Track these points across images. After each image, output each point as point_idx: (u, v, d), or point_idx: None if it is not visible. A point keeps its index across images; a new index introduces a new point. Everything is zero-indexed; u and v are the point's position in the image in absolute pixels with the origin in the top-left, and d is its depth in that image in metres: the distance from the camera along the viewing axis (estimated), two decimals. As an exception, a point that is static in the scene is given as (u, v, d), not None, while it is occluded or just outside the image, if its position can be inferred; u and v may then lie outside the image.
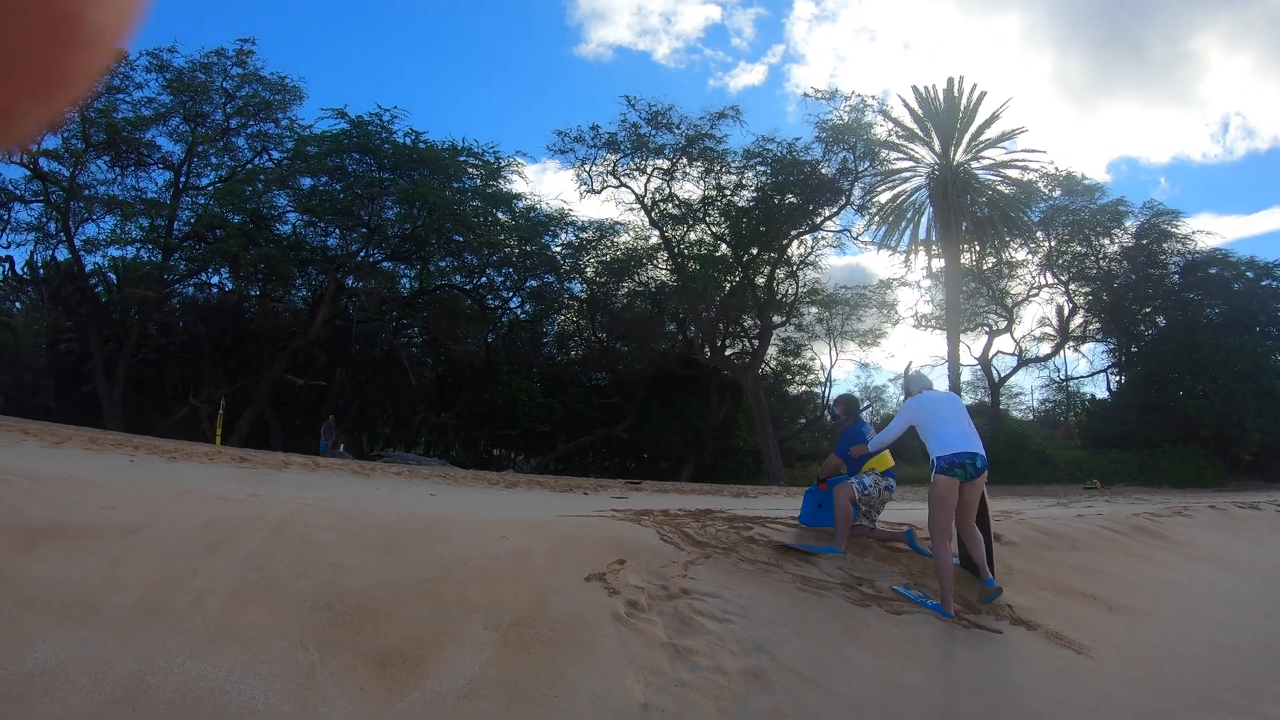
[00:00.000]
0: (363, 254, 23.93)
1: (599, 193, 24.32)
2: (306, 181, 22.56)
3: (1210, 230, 61.16)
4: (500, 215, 24.52)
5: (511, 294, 27.04)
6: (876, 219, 23.99)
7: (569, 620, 3.72)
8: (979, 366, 27.77)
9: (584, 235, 25.14)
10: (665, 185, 23.84)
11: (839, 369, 27.93)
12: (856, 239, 24.79)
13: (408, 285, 27.27)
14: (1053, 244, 26.16)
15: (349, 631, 3.11)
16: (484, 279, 26.92)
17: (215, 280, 24.95)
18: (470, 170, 23.68)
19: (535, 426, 24.46)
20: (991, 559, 5.39)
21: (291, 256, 22.65)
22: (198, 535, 3.63)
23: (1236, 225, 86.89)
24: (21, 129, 0.32)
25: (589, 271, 25.55)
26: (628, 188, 24.01)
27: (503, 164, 24.16)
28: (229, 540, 3.64)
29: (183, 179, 21.95)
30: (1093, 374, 29.65)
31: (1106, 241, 26.57)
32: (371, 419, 29.90)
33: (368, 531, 4.30)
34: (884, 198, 24.00)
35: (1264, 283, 28.05)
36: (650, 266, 25.08)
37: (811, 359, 28.41)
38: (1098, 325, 27.92)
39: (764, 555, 5.65)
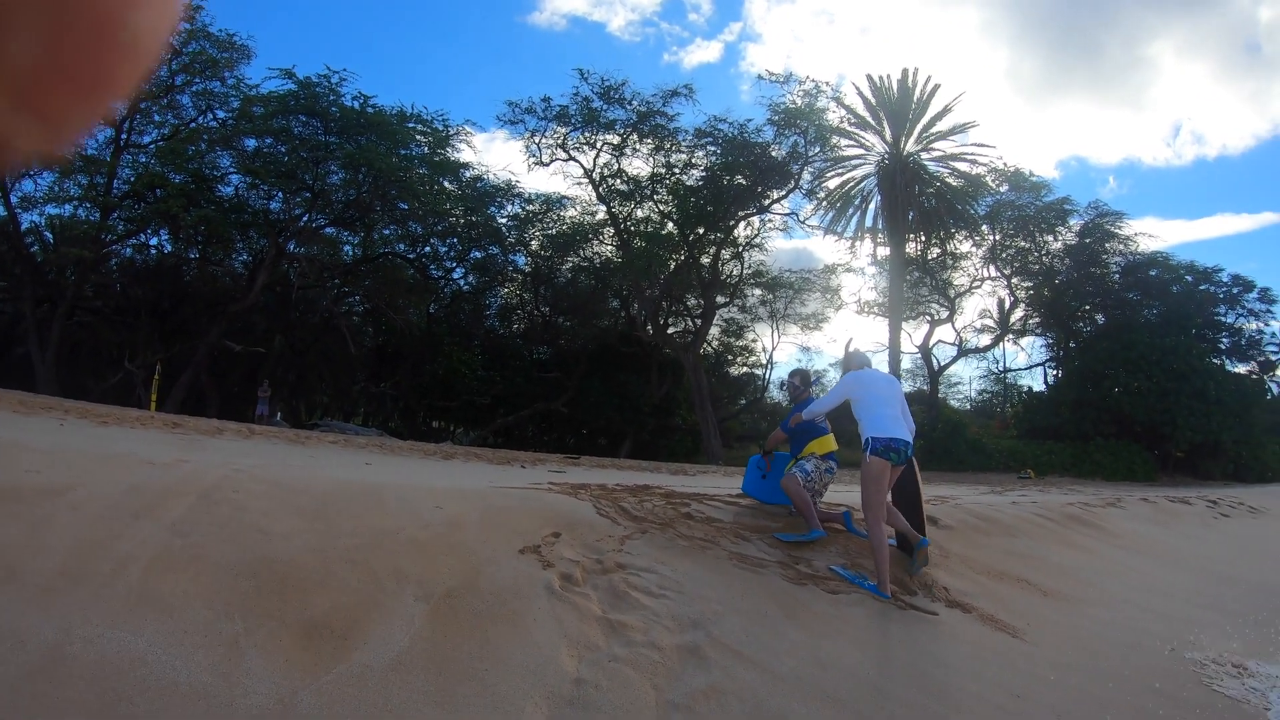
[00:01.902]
0: (305, 219, 24.91)
1: (547, 165, 25.98)
2: (251, 143, 23.45)
3: (1152, 233, 65.03)
4: (447, 184, 25.85)
5: (455, 264, 28.48)
6: (824, 204, 26.13)
7: (502, 593, 3.85)
8: (919, 354, 30.07)
9: (530, 208, 26.82)
10: (615, 161, 25.63)
11: (780, 351, 29.69)
12: (804, 223, 26.85)
13: (350, 252, 28.38)
14: (997, 238, 28.54)
15: (275, 601, 3.18)
16: (428, 248, 28.26)
17: (154, 242, 25.89)
18: (418, 137, 24.88)
19: (474, 399, 25.97)
20: (922, 527, 5.93)
21: (233, 219, 23.69)
22: (123, 500, 3.70)
23: (1180, 229, 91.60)
24: (65, 134, 0.36)
25: (534, 245, 27.23)
26: (576, 162, 25.74)
27: (451, 132, 25.51)
28: (155, 506, 3.72)
29: (124, 136, 22.63)
30: (1030, 367, 32.23)
31: (1050, 238, 29.12)
32: (310, 387, 31.07)
33: (299, 499, 4.40)
34: (833, 183, 26.19)
35: (1202, 287, 31.05)
36: (596, 242, 26.86)
37: (753, 340, 30.42)
38: (1037, 320, 30.50)
39: (701, 531, 5.94)
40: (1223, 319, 32.68)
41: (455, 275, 28.87)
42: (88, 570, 2.99)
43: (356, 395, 30.33)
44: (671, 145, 25.24)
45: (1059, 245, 29.28)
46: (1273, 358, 37.69)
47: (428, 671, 3.05)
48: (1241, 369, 33.59)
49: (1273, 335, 37.26)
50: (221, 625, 2.93)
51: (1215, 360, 30.74)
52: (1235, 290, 32.60)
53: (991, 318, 30.42)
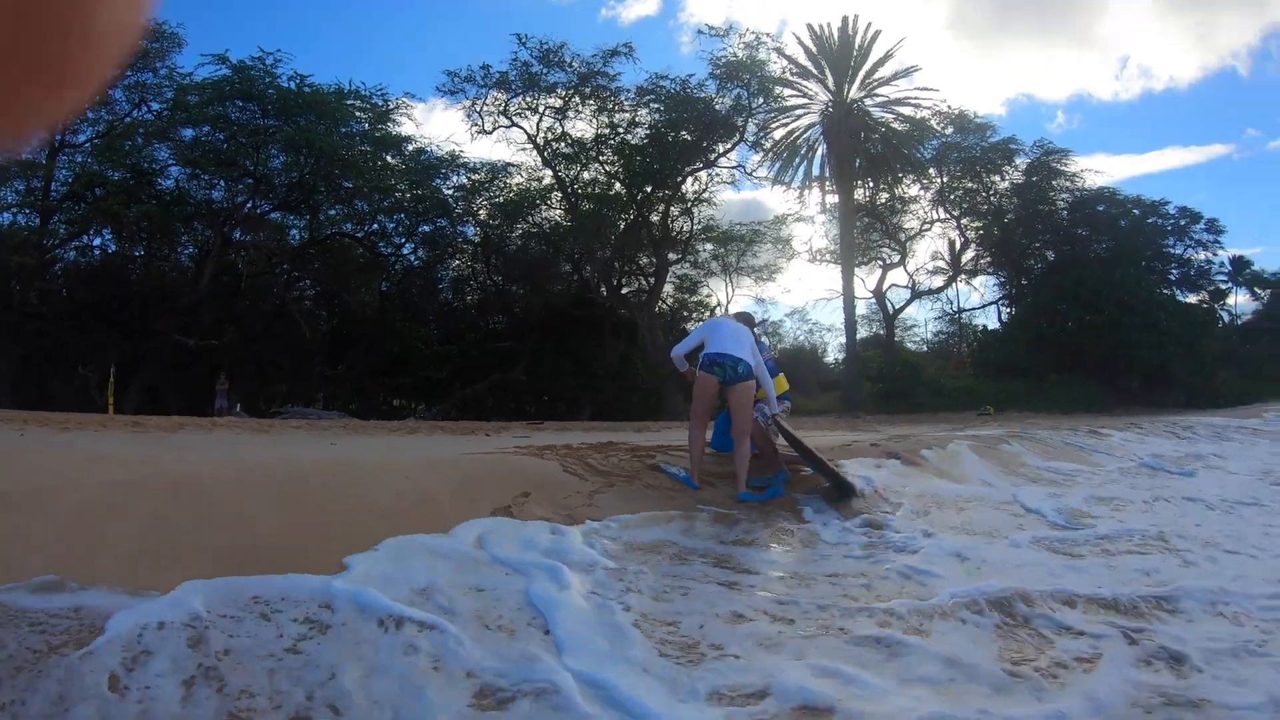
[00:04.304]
0: (249, 205, 25.47)
1: (490, 133, 27.00)
2: (188, 133, 23.93)
3: (1099, 169, 67.09)
4: (390, 159, 26.63)
5: (404, 240, 29.32)
6: (771, 155, 27.43)
7: (468, 554, 4.00)
8: (874, 299, 31.34)
9: (476, 177, 27.80)
10: (558, 124, 26.64)
11: (735, 305, 30.68)
12: (751, 175, 28.17)
13: (297, 236, 28.96)
14: (945, 180, 30.06)
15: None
16: (375, 226, 28.97)
17: (97, 243, 26.41)
18: (358, 114, 25.53)
19: (431, 374, 27.03)
20: (774, 463, 6.88)
21: (175, 212, 24.19)
22: (99, 497, 3.83)
23: (1130, 164, 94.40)
24: (33, 124, 0.36)
25: (482, 214, 28.28)
26: (519, 127, 26.76)
27: (391, 106, 26.18)
28: (129, 502, 3.84)
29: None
30: (984, 306, 33.90)
31: (997, 179, 30.62)
32: (268, 376, 31.53)
33: (269, 483, 4.55)
34: (778, 134, 27.64)
35: (1150, 220, 33.21)
36: (544, 207, 28.00)
37: (708, 296, 31.65)
38: (989, 259, 32.25)
39: (668, 482, 6.45)
40: (1171, 251, 34.83)
41: (405, 251, 29.78)
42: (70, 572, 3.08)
43: (315, 380, 30.86)
44: (614, 105, 26.30)
45: (1006, 185, 30.92)
46: (1222, 287, 39.75)
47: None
48: (1192, 299, 35.74)
49: (1221, 265, 39.49)
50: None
51: (1165, 292, 32.70)
52: (1183, 222, 34.81)
53: (943, 259, 32.07)
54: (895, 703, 2.96)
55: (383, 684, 2.73)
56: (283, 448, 7.56)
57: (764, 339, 7.62)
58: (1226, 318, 41.15)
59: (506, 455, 6.52)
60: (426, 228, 29.00)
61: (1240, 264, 42.38)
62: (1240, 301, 45.09)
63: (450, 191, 28.24)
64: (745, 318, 7.53)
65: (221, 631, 2.83)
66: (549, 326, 27.50)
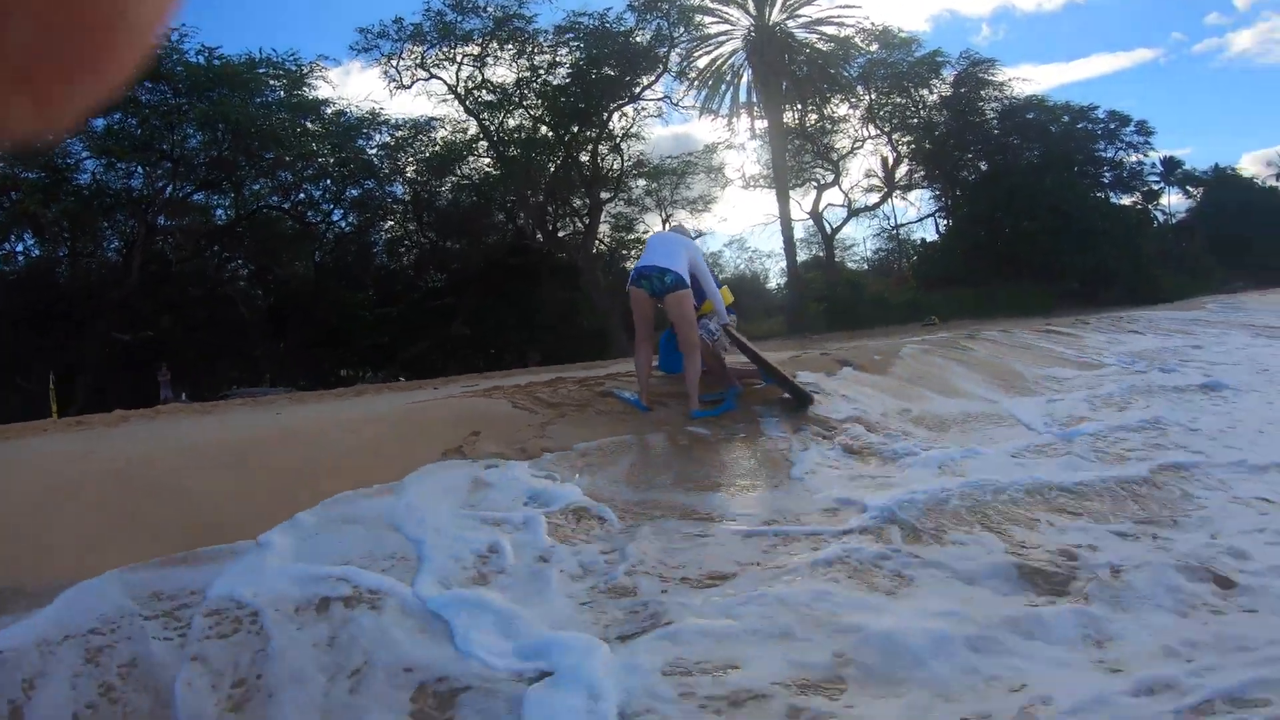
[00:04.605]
0: (170, 190, 24.88)
1: (409, 88, 26.43)
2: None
3: (1027, 78, 67.72)
4: (309, 124, 25.97)
5: (332, 206, 28.70)
6: (696, 84, 27.14)
7: (426, 493, 4.07)
8: (811, 221, 31.40)
9: (399, 134, 27.30)
10: (477, 72, 26.17)
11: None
12: (678, 105, 27.86)
13: (223, 215, 28.33)
14: (873, 97, 30.00)
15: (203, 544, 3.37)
16: (301, 195, 28.37)
17: (20, 248, 25.70)
18: (271, 82, 24.90)
19: (375, 340, 26.69)
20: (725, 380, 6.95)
21: (96, 206, 23.58)
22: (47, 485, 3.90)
23: (1057, 73, 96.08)
24: (63, 117, 0.36)
25: (409, 171, 27.83)
26: (439, 79, 26.22)
27: (305, 70, 25.52)
28: (77, 489, 3.87)
29: None
30: (921, 219, 34.24)
31: (925, 92, 30.72)
32: (211, 362, 31.02)
33: (216, 454, 4.57)
34: (702, 63, 27.47)
35: (1080, 125, 33.72)
36: (471, 158, 27.61)
37: (645, 232, 31.20)
38: (922, 173, 32.41)
39: (619, 406, 6.43)
40: (1103, 155, 35.36)
41: (335, 218, 29.19)
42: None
43: (259, 360, 30.38)
44: (533, 47, 25.98)
45: (935, 98, 30.94)
46: (1155, 188, 40.54)
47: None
48: (1126, 201, 36.40)
49: (1153, 166, 40.17)
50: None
51: (1099, 195, 33.26)
52: (1113, 126, 35.22)
53: (877, 176, 32.07)
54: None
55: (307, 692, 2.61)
56: (227, 424, 7.33)
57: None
58: (1161, 218, 41.94)
59: (454, 399, 6.48)
60: (354, 191, 28.54)
61: (1171, 164, 43.35)
62: (1174, 201, 46.28)
63: (374, 151, 27.76)
64: (681, 230, 7.56)
65: (126, 637, 2.73)
66: (488, 278, 27.21)
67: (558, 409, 6.06)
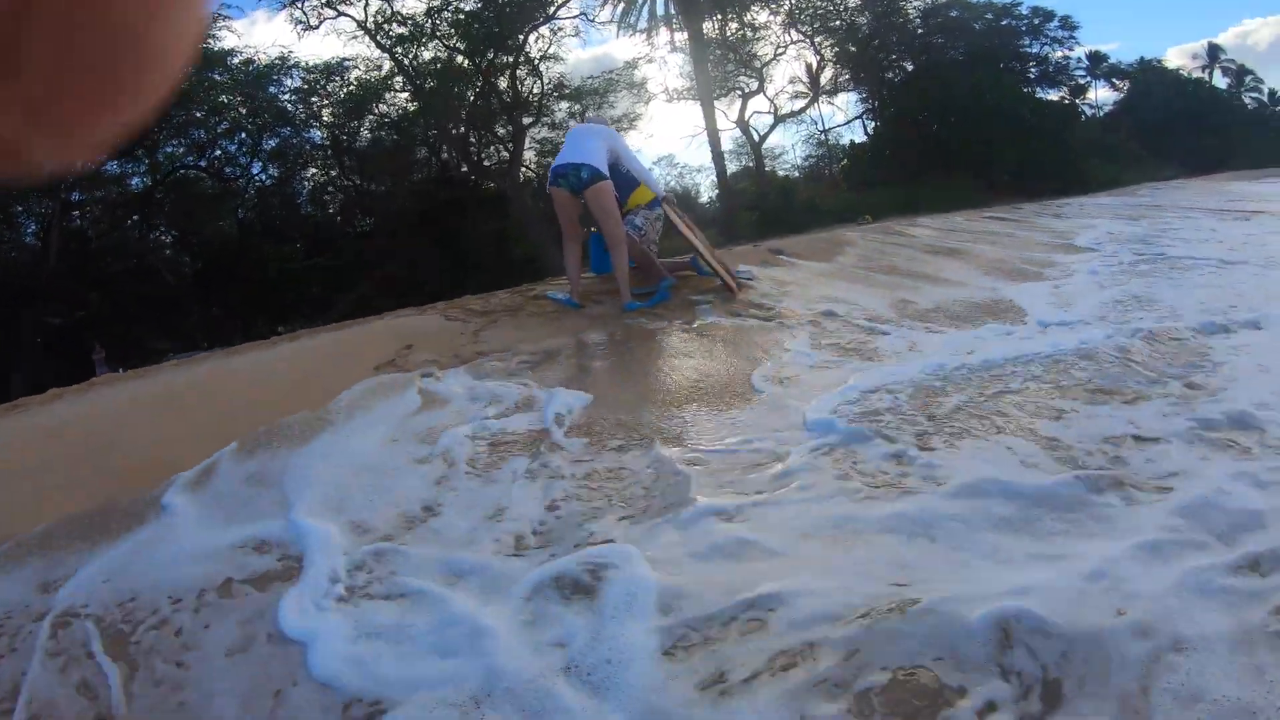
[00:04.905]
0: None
1: (317, 28, 25.51)
2: None
3: None
4: (217, 77, 24.98)
5: (250, 159, 27.71)
6: (610, 1, 26.53)
7: (360, 406, 4.12)
8: (738, 131, 31.14)
9: (311, 77, 26.36)
10: (386, 5, 25.34)
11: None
12: (595, 23, 27.34)
13: (139, 183, 27.20)
14: (794, 2, 29.50)
15: (137, 488, 3.35)
16: (217, 152, 27.32)
17: None
18: (174, 37, 24.00)
19: (307, 292, 25.96)
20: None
21: (7, 191, 22.54)
22: None
23: None
24: (89, 145, 0.36)
25: (326, 115, 26.95)
26: (347, 15, 25.36)
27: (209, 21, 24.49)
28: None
29: None
30: (848, 122, 34.05)
31: (846, -7, 30.08)
32: (143, 335, 30.26)
33: (145, 403, 4.61)
34: (617, -24, 26.56)
35: (1004, 22, 33.82)
36: (388, 96, 26.79)
37: (571, 156, 30.80)
38: (847, 76, 32.06)
39: (552, 308, 6.41)
40: (1028, 50, 35.57)
41: (255, 172, 28.10)
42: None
43: (193, 326, 29.63)
44: (442, -28, 25.09)
45: (856, 1, 30.41)
46: (1081, 82, 40.97)
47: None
48: (1053, 96, 36.54)
49: (1079, 60, 40.44)
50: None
51: (1026, 90, 33.32)
52: (1037, 21, 35.45)
53: (802, 82, 31.64)
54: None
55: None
56: (160, 379, 7.38)
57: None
58: (1089, 111, 42.48)
59: (385, 320, 6.39)
60: (271, 142, 27.47)
61: (1097, 58, 43.84)
62: (1101, 95, 46.84)
63: (287, 98, 26.78)
64: (599, 119, 7.42)
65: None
66: (418, 217, 26.54)
67: (490, 316, 6.04)
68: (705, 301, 6.45)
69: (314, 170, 28.90)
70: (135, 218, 27.40)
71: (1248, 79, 58.18)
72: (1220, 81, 55.94)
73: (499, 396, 4.25)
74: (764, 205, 27.12)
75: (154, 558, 2.79)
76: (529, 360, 4.94)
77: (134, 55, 0.34)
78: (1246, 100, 56.60)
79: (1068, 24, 35.80)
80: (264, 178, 28.91)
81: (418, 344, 5.22)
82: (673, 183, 36.27)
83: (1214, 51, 57.35)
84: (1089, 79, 43.14)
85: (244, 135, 27.04)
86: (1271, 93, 61.51)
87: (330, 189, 29.39)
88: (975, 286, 7.71)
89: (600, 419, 3.96)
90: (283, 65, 25.81)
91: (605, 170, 6.14)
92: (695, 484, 3.09)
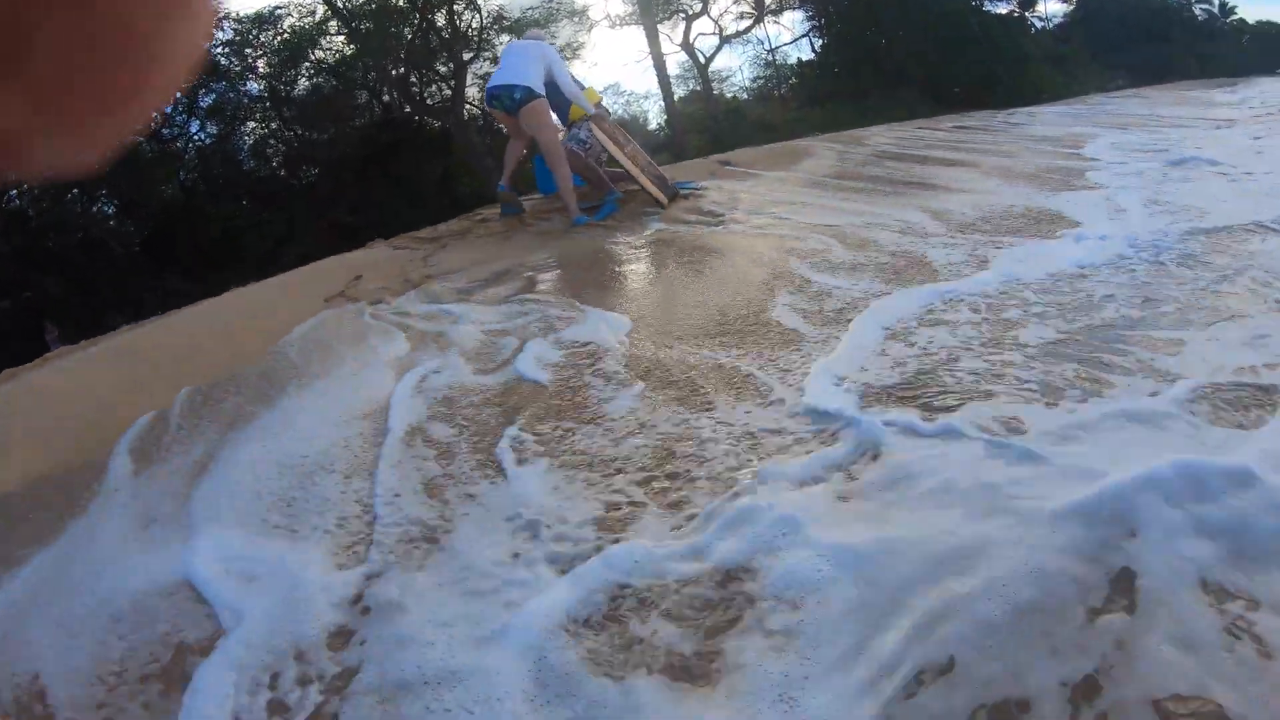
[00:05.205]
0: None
1: (245, -27, 24.73)
2: None
3: None
4: (144, 34, 24.41)
5: (186, 118, 27.03)
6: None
7: (313, 339, 4.16)
8: (684, 54, 30.65)
9: (244, 28, 25.75)
10: (319, -53, 24.46)
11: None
12: (529, -51, 26.68)
13: None
14: (736, -81, 28.85)
15: (104, 438, 3.37)
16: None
17: None
18: (95, -7, 23.39)
19: (258, 249, 25.42)
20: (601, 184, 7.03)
21: None
22: None
23: None
24: (97, 145, 0.37)
25: (261, 67, 26.27)
26: (276, -41, 24.50)
27: (136, -23, 23.91)
28: None
29: None
30: (795, 40, 33.62)
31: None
32: (95, 310, 29.73)
33: (94, 359, 4.66)
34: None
35: None
36: (324, 42, 26.24)
37: (515, 91, 30.35)
38: (793, -7, 31.36)
39: (500, 228, 6.67)
40: (976, -37, 34.62)
41: (193, 131, 27.37)
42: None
43: (145, 297, 29.05)
44: (370, -92, 24.33)
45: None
46: None
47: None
48: (1003, 9, 36.10)
49: None
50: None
51: (974, 3, 32.92)
52: None
53: (748, 2, 31.17)
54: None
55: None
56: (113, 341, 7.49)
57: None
58: (1039, 24, 42.32)
59: (332, 258, 6.56)
60: (207, 99, 26.65)
61: None
62: (1051, 8, 46.87)
63: (220, 50, 25.69)
64: (534, 36, 7.34)
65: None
66: (361, 162, 26.05)
67: (438, 241, 6.28)
68: (654, 212, 6.63)
69: (253, 124, 28.20)
70: (75, 191, 26.78)
71: (1199, -10, 58.58)
72: (1171, -7, 56.11)
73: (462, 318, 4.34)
74: (714, 129, 26.79)
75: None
76: (476, 280, 5.05)
77: (142, 54, 0.34)
78: (1197, 12, 56.88)
79: (1017, -62, 35.52)
80: (203, 136, 28.21)
81: (367, 273, 5.39)
82: (620, 110, 35.91)
83: (1166, -37, 57.57)
84: (1038, -9, 43.09)
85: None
86: (1222, 4, 61.93)
87: (272, 141, 28.74)
88: (1006, 196, 7.17)
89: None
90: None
91: (540, 89, 6.36)
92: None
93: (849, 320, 3.92)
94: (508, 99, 6.24)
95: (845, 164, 9.57)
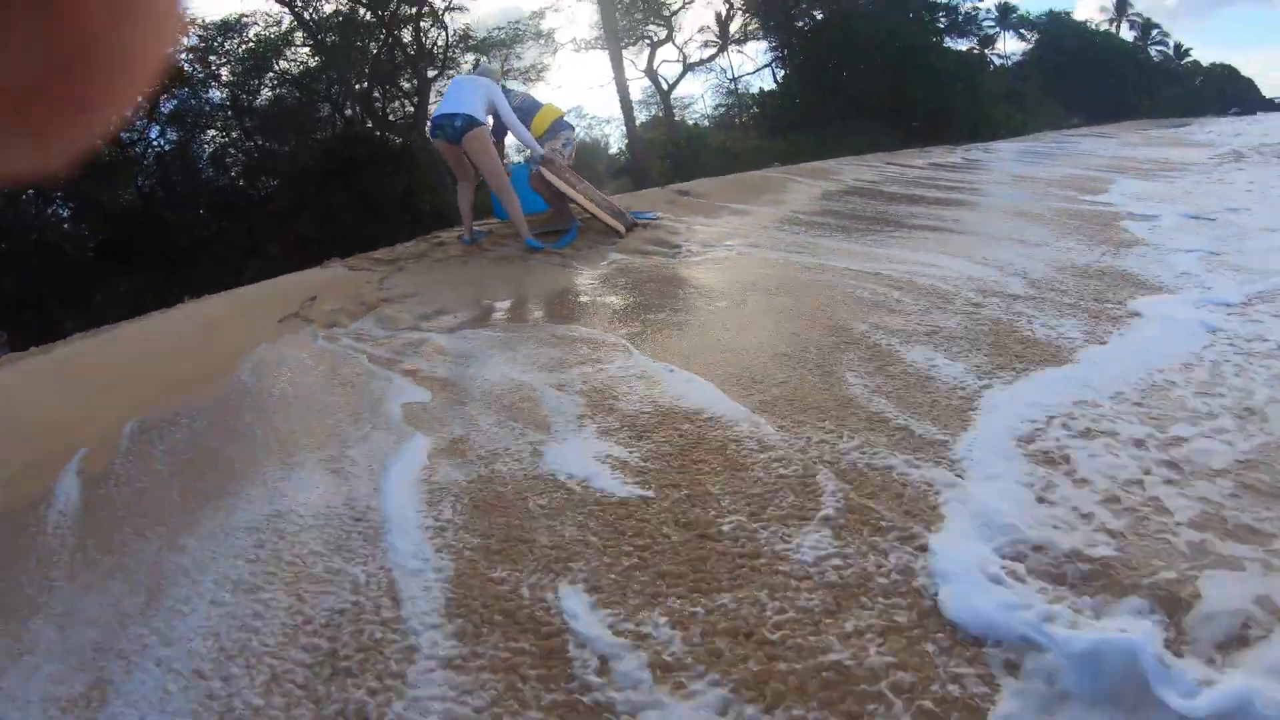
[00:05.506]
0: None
1: (215, -19, 24.60)
2: None
3: None
4: (108, 35, 24.15)
5: (146, 123, 26.72)
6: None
7: (269, 361, 4.07)
8: (647, 80, 30.97)
9: (209, 35, 25.52)
10: (287, -44, 24.42)
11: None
12: (502, -29, 26.74)
13: None
14: (706, -50, 29.19)
15: (58, 457, 3.23)
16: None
17: None
18: (64, -2, 23.16)
19: (218, 260, 25.19)
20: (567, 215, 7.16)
21: None
22: None
23: None
24: (63, 152, 0.35)
25: (225, 75, 26.09)
26: (247, -32, 24.42)
27: (103, -20, 23.68)
28: None
29: None
30: (757, 70, 34.15)
31: (755, -60, 29.98)
32: (49, 316, 29.19)
33: (42, 374, 4.50)
34: (521, -75, 26.07)
35: None
36: (289, 52, 26.08)
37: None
38: (757, 25, 31.83)
39: (457, 252, 6.57)
40: (938, 1, 35.26)
41: (152, 136, 27.06)
42: None
43: (100, 303, 28.62)
44: (343, -77, 24.34)
45: (764, -53, 30.37)
46: (990, 33, 41.83)
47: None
48: (963, 46, 37.06)
49: (988, 11, 41.19)
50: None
51: (936, 40, 33.79)
52: None
53: (712, 31, 31.46)
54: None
55: None
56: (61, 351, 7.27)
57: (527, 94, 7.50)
58: (998, 61, 43.32)
59: (288, 277, 6.46)
60: (169, 104, 26.43)
61: (1006, 9, 45.44)
62: (1010, 47, 48.05)
63: (184, 56, 25.44)
64: (486, 71, 7.27)
65: None
66: (325, 175, 25.89)
67: (394, 263, 6.17)
68: (611, 242, 6.59)
69: (214, 132, 27.98)
70: (30, 193, 26.38)
71: (1154, 32, 60.32)
72: (1127, 34, 57.70)
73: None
74: (677, 155, 27.00)
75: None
76: (429, 301, 4.99)
77: (108, 58, 0.32)
78: (1153, 53, 58.53)
79: (978, -24, 36.39)
80: (162, 143, 27.94)
81: (322, 294, 5.24)
82: (582, 133, 35.98)
83: (1122, 4, 59.37)
84: (998, 29, 44.23)
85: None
86: (1177, 46, 63.82)
87: (232, 151, 28.50)
88: (1064, 249, 6.22)
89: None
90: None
91: (482, 118, 6.39)
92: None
93: (965, 415, 2.94)
94: (449, 128, 6.30)
95: (821, 201, 9.36)
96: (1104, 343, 3.74)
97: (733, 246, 6.49)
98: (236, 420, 3.37)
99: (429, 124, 6.46)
